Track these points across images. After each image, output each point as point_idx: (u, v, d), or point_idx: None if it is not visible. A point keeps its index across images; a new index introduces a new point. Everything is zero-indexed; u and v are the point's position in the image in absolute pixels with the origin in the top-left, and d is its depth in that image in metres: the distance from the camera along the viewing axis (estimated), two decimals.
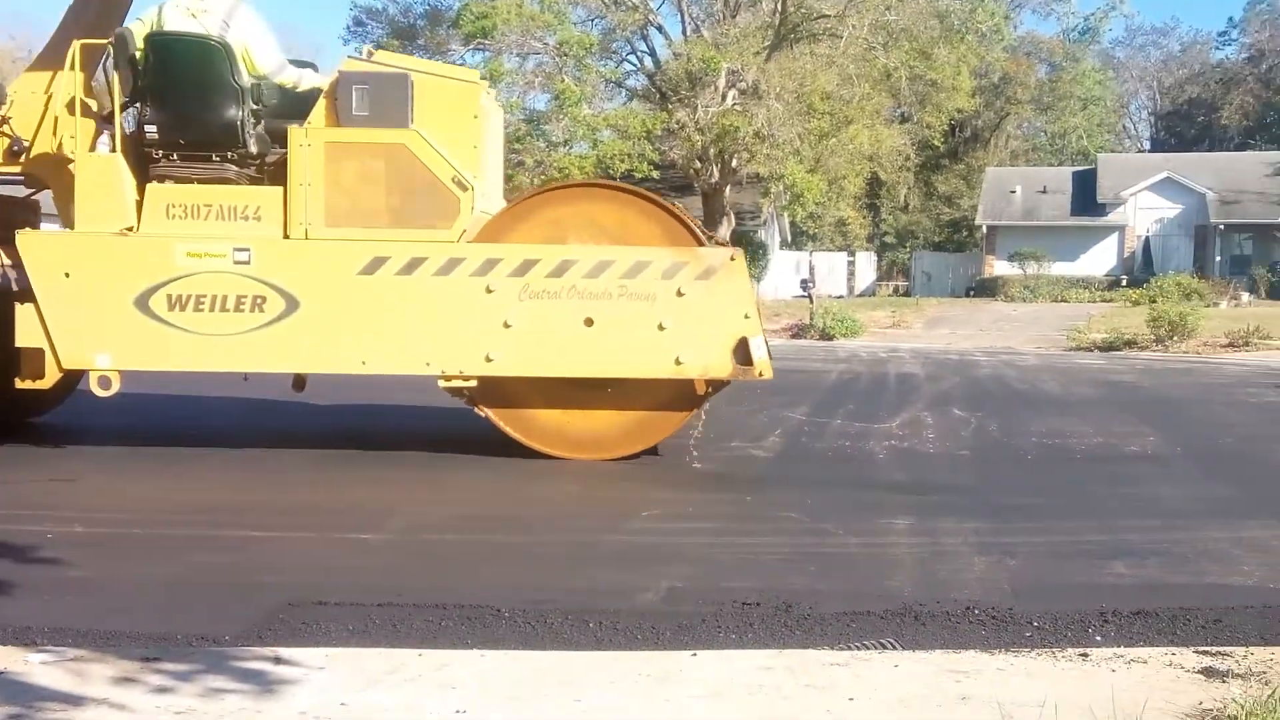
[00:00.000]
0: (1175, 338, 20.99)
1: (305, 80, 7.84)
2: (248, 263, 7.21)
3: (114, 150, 7.29)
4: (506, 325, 7.25)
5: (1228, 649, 3.85)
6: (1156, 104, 73.35)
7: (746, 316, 7.47)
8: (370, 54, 8.31)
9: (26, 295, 7.15)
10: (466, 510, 6.37)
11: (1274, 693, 3.13)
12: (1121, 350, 20.97)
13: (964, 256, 52.40)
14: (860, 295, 48.34)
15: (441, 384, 7.44)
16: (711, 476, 7.41)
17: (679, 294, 7.35)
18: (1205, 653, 3.82)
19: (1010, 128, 60.77)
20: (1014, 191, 47.70)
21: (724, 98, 33.50)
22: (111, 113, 7.38)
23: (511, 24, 32.05)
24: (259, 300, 7.20)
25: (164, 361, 7.36)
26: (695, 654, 3.81)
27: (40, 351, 7.19)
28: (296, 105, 7.60)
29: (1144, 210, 45.14)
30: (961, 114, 47.02)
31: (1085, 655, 3.78)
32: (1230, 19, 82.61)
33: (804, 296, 30.20)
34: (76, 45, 7.27)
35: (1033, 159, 59.49)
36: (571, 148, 33.82)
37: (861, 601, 4.44)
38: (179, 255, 7.21)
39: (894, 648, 3.84)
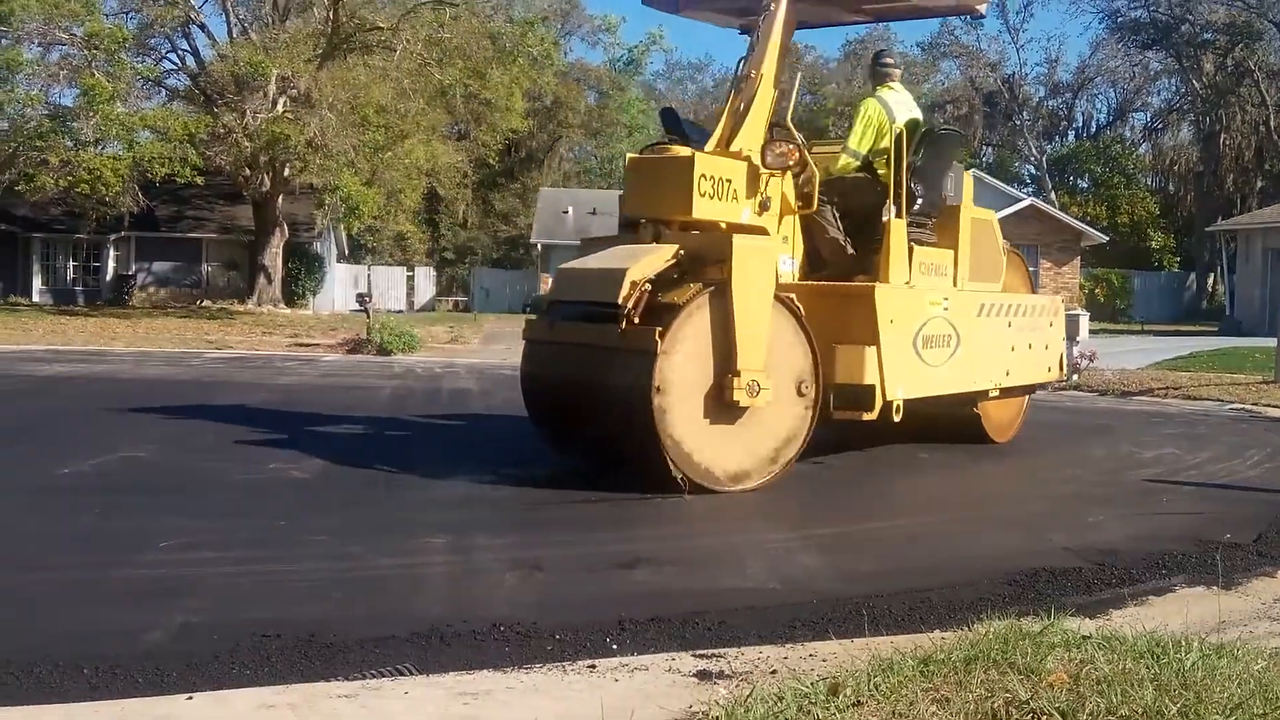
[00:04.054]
0: None
1: None
2: (946, 309, 8.77)
3: (899, 216, 8.43)
4: (1012, 350, 9.70)
5: (723, 650, 4.08)
6: None
7: (1064, 339, 10.93)
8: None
9: (870, 339, 7.99)
10: None
11: (752, 691, 3.33)
12: None
13: (521, 274, 53.76)
14: (420, 310, 48.34)
15: (993, 394, 9.58)
16: (241, 500, 7.02)
17: (1050, 325, 10.44)
18: (703, 656, 4.02)
19: (563, 150, 63.22)
20: (566, 212, 49.54)
21: (275, 104, 32.31)
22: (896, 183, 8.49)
23: (32, 11, 29.17)
24: (949, 338, 8.78)
25: (918, 390, 8.47)
26: (191, 697, 3.52)
27: (872, 388, 7.96)
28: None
29: None
30: (516, 134, 48.23)
31: (593, 667, 3.87)
32: None
33: (361, 311, 29.73)
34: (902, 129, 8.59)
35: (584, 181, 62.15)
36: (104, 148, 31.28)
37: (387, 626, 4.31)
38: (927, 304, 8.61)
39: (410, 673, 3.75)
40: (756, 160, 7.81)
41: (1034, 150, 59.19)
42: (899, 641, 4.10)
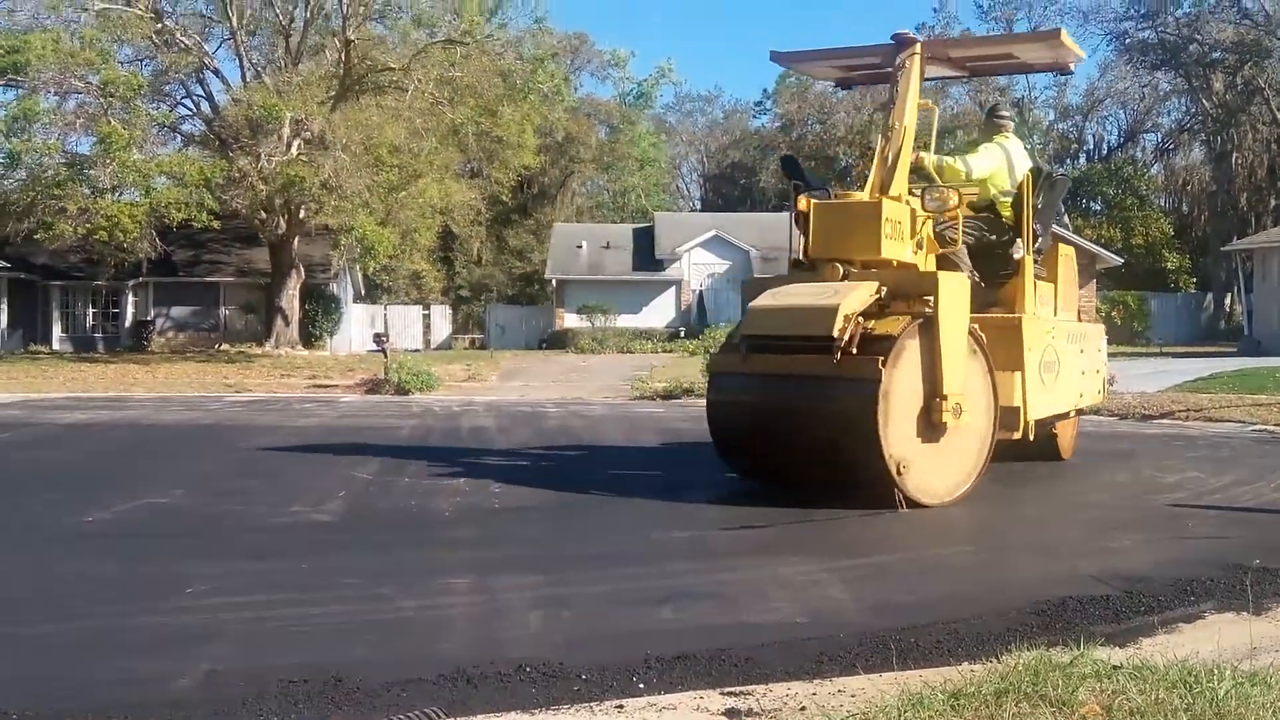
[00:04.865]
0: None
1: None
2: (1053, 338, 9.64)
3: (1026, 254, 9.29)
4: (1082, 374, 10.48)
5: (750, 688, 4.05)
6: (705, 167, 79.26)
7: (1105, 363, 11.71)
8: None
9: (1017, 365, 8.93)
10: None
11: None
12: (681, 398, 22.23)
13: (536, 309, 53.87)
14: (437, 349, 48.47)
15: (1071, 414, 10.48)
16: (265, 544, 7.04)
17: (1098, 350, 11.33)
18: (731, 693, 4.00)
19: (575, 185, 63.47)
20: (580, 247, 49.69)
21: (289, 147, 32.58)
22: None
23: (48, 61, 29.50)
24: (1055, 364, 9.66)
25: (1042, 411, 9.38)
26: None
27: (1018, 410, 8.82)
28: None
29: (697, 265, 48.45)
30: (528, 170, 48.47)
31: (621, 707, 3.85)
32: (765, 90, 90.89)
33: (379, 351, 29.83)
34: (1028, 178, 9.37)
35: (597, 216, 62.35)
36: (121, 194, 31.54)
37: (414, 669, 4.31)
38: (1045, 333, 9.52)
39: (439, 717, 3.74)
40: (916, 205, 8.75)
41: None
42: (928, 675, 4.08)
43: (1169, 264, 52.58)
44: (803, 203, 8.63)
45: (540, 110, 40.38)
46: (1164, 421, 15.93)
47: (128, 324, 41.86)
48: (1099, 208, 58.39)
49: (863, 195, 8.70)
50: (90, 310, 42.12)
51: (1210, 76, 53.03)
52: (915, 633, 4.84)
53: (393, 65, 34.85)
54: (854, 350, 7.79)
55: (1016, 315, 9.17)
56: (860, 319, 7.89)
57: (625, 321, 46.40)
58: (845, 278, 8.38)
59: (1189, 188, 59.92)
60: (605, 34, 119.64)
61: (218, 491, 9.42)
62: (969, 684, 3.75)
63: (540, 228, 57.13)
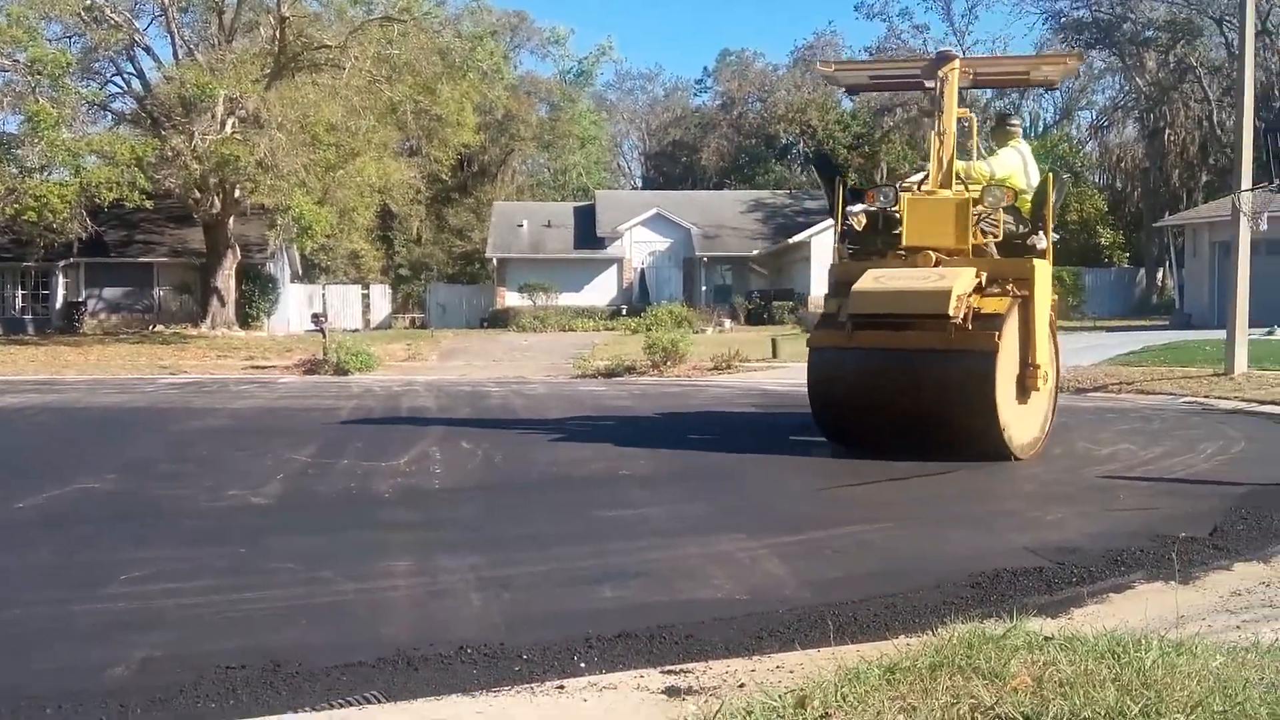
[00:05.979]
0: (669, 363, 22.62)
1: None
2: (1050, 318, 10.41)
3: (1048, 244, 10.10)
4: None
5: (690, 665, 4.08)
6: (646, 144, 79.11)
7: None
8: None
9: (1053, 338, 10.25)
10: None
11: (721, 707, 3.34)
12: (623, 376, 22.27)
13: (477, 288, 53.59)
14: (376, 328, 48.08)
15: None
16: (202, 529, 6.96)
17: None
18: (671, 671, 4.01)
19: (515, 163, 63.08)
20: (521, 225, 49.48)
21: (223, 125, 32.05)
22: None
23: None
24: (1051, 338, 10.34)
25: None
26: None
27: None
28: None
29: (639, 244, 48.43)
30: (468, 149, 48.13)
31: (562, 688, 3.86)
32: (705, 68, 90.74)
33: (317, 331, 29.54)
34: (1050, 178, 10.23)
35: (538, 194, 62.05)
36: (50, 174, 30.88)
37: (354, 652, 4.29)
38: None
39: (378, 700, 3.73)
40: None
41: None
42: (864, 649, 4.13)
43: (1103, 240, 53.38)
44: (884, 199, 10.06)
45: (479, 88, 40.09)
46: (1097, 394, 16.22)
47: (58, 305, 41.05)
48: None
49: (946, 192, 9.89)
50: (19, 292, 41.25)
51: (1143, 55, 53.76)
52: (853, 607, 4.90)
53: (329, 43, 34.38)
54: (968, 326, 8.96)
55: (1052, 297, 10.31)
56: (967, 299, 9.03)
57: (567, 300, 46.30)
58: (937, 264, 9.51)
59: (1123, 164, 60.77)
60: (545, 11, 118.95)
61: (152, 476, 9.30)
62: (904, 658, 3.81)
63: (481, 206, 56.78)
